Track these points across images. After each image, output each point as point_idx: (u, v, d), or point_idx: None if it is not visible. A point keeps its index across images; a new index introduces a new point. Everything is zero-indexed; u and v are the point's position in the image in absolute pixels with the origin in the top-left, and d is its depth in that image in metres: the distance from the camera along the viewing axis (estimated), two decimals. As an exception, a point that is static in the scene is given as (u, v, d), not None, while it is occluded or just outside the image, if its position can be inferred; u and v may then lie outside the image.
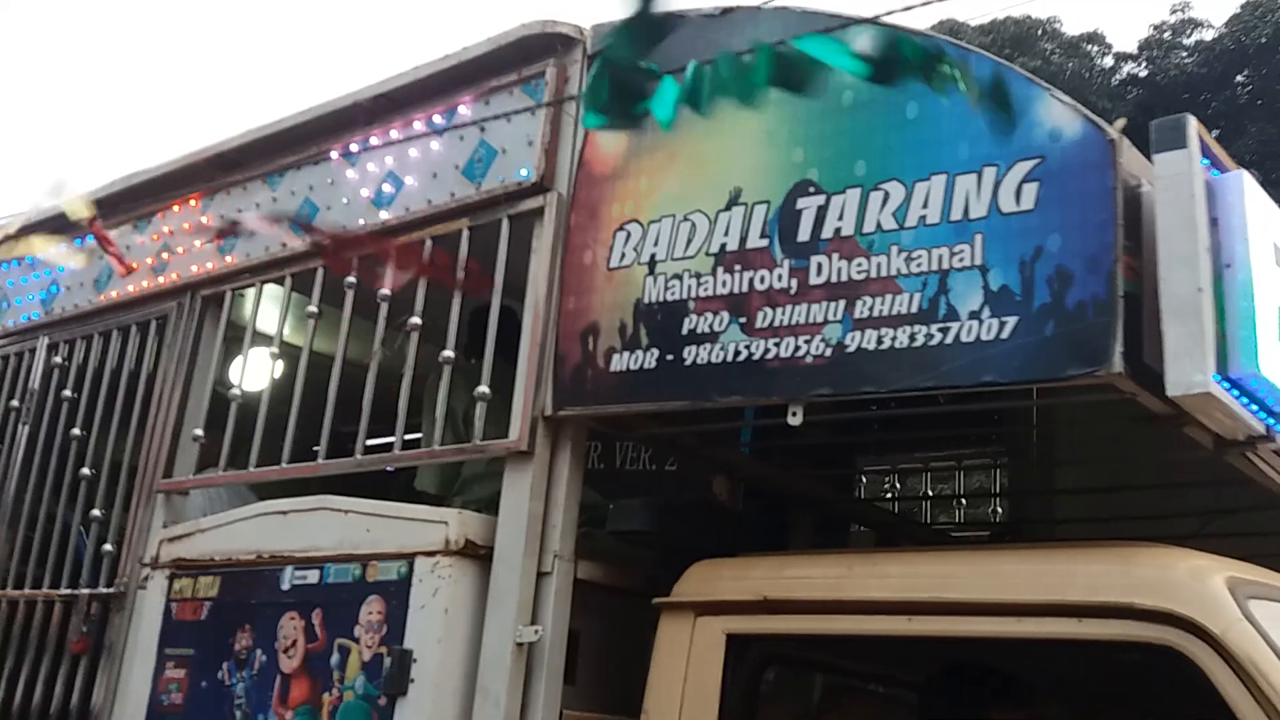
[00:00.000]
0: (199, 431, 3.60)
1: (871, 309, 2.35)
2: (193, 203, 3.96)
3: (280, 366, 3.51)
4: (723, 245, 2.60)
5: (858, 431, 3.55)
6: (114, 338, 4.06)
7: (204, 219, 3.86)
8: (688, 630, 2.49)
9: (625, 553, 3.04)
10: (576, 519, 2.76)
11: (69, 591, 3.76)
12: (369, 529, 2.92)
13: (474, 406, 3.47)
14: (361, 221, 3.33)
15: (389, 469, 3.25)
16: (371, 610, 2.81)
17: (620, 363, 2.68)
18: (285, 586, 3.04)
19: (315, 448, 3.33)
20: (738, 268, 2.57)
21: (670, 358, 2.60)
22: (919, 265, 2.32)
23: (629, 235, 2.76)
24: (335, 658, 2.85)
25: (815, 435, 3.51)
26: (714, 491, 3.16)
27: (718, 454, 3.22)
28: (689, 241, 2.65)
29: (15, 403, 4.37)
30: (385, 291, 3.21)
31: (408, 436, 3.15)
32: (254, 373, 3.67)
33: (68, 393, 4.14)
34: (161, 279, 3.95)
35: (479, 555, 2.73)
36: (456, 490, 3.84)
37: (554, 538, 2.71)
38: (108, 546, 3.70)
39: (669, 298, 2.65)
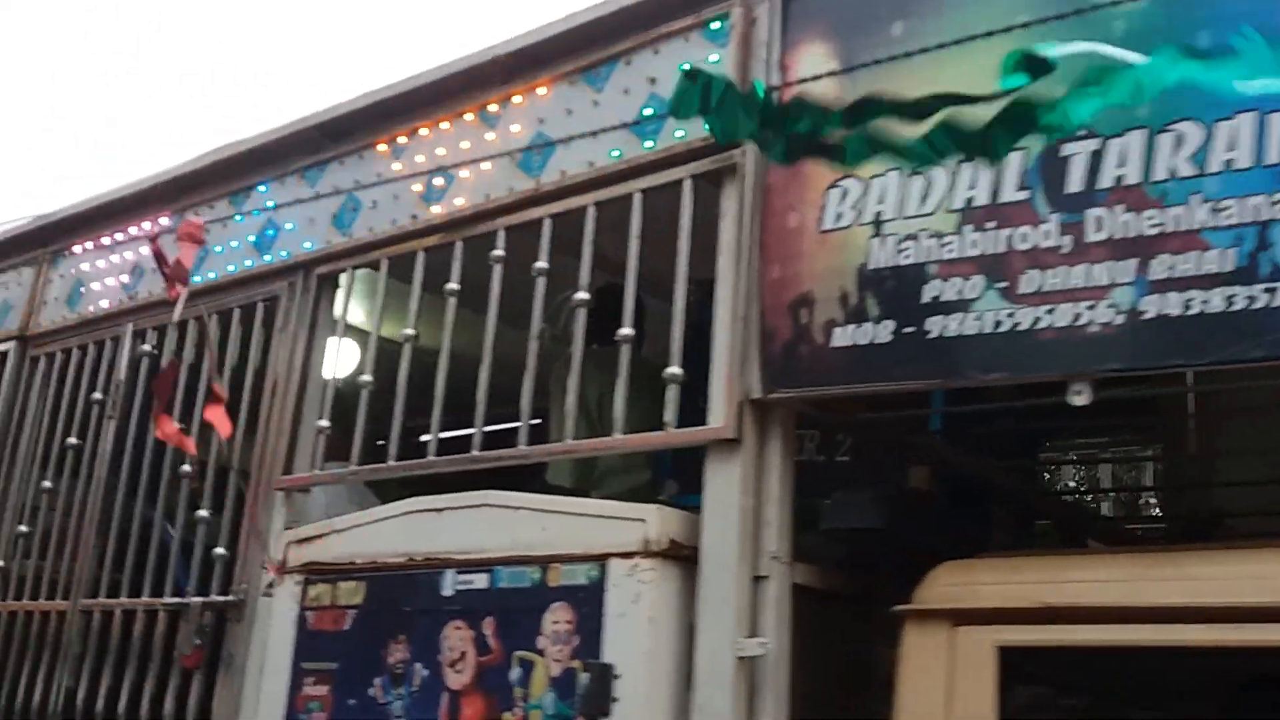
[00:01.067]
0: (324, 423, 3.29)
1: (1172, 269, 2.03)
2: (297, 177, 3.64)
3: (407, 352, 3.19)
4: (969, 200, 2.28)
5: (1048, 416, 3.23)
6: (213, 323, 3.74)
7: (315, 191, 3.55)
8: (944, 642, 2.17)
9: (820, 552, 2.73)
10: (791, 516, 2.45)
11: (176, 600, 3.44)
12: (545, 527, 2.61)
13: (608, 394, 3.20)
14: (510, 188, 3.01)
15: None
16: (557, 619, 2.51)
17: (844, 337, 2.36)
18: (447, 592, 2.74)
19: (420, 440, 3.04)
20: (991, 225, 2.25)
21: (909, 330, 2.28)
22: (1229, 217, 2.01)
23: (845, 193, 2.44)
24: (515, 673, 2.54)
25: (1004, 422, 3.22)
26: (912, 483, 2.85)
27: (915, 442, 2.90)
28: (924, 197, 2.34)
29: (99, 395, 4.05)
30: (541, 265, 2.90)
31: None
32: (368, 360, 3.36)
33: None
34: (267, 257, 3.64)
35: (683, 557, 2.42)
36: (594, 483, 3.55)
37: (769, 537, 2.40)
38: (220, 550, 3.39)
39: (902, 262, 2.33)
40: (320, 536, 3.08)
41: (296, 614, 3.03)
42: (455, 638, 2.68)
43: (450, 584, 2.74)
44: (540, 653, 2.51)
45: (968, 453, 3.06)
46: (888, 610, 2.38)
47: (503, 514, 2.72)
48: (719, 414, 2.47)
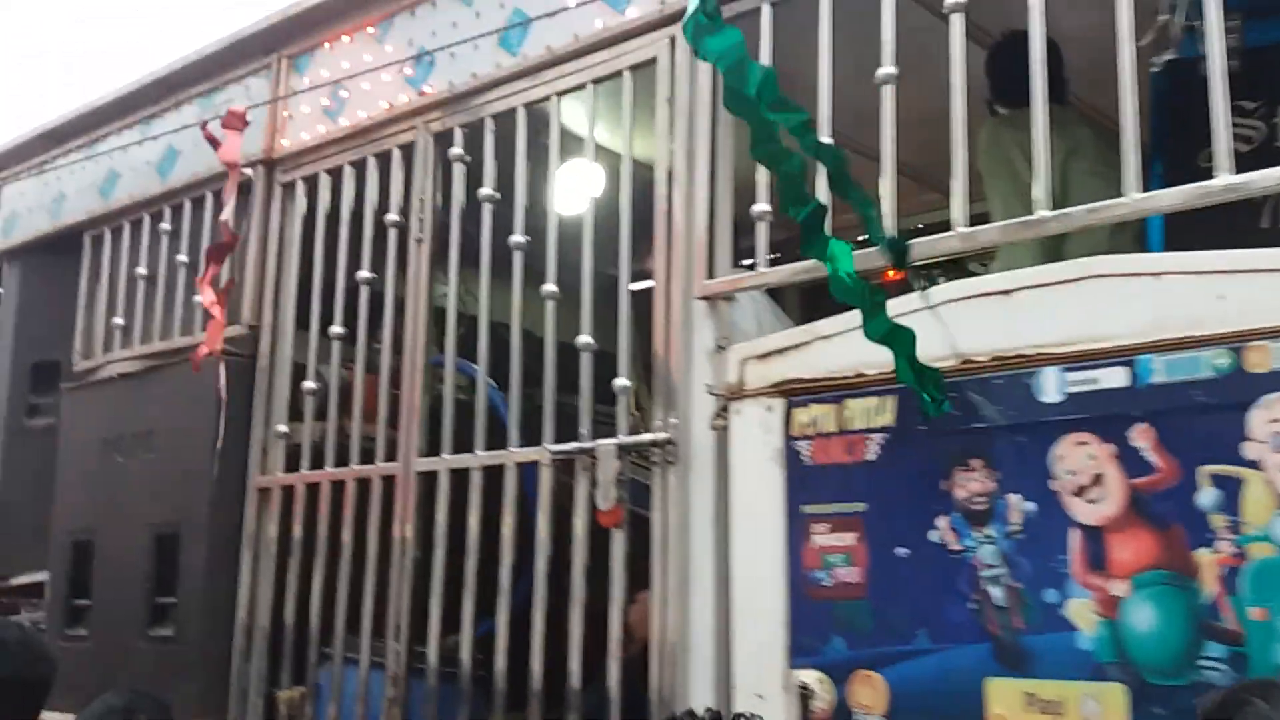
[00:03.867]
0: (764, 206, 2.53)
1: None
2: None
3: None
4: None
5: None
6: (555, 105, 2.98)
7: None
8: None
9: None
10: None
11: (570, 446, 2.76)
12: (1223, 295, 1.86)
13: (1072, 161, 2.46)
14: None
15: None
16: (1277, 417, 1.77)
17: None
18: (1051, 398, 2.01)
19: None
20: None
21: None
22: None
23: None
24: (1209, 495, 1.82)
25: None
26: None
27: None
28: None
29: (394, 217, 3.33)
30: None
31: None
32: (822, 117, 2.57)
33: (486, 191, 3.08)
34: (631, 12, 2.84)
35: None
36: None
37: None
38: (622, 382, 2.69)
39: None
40: (797, 347, 2.37)
41: (780, 446, 2.33)
42: (1078, 456, 1.96)
43: (1055, 385, 2.00)
44: (1253, 465, 1.78)
45: None
46: None
47: (1130, 285, 1.97)
48: None
